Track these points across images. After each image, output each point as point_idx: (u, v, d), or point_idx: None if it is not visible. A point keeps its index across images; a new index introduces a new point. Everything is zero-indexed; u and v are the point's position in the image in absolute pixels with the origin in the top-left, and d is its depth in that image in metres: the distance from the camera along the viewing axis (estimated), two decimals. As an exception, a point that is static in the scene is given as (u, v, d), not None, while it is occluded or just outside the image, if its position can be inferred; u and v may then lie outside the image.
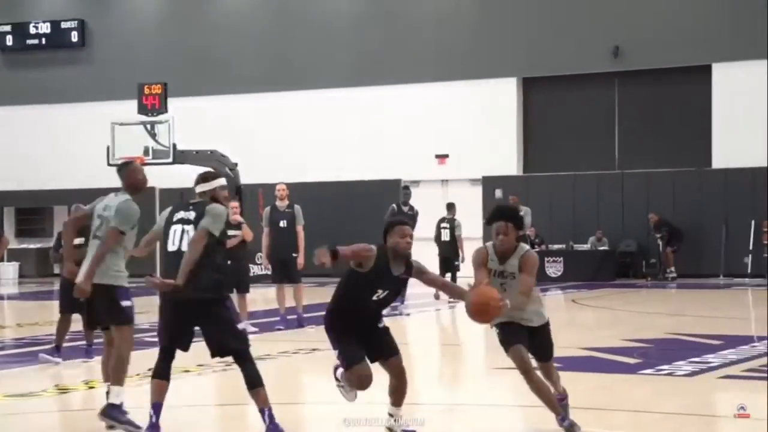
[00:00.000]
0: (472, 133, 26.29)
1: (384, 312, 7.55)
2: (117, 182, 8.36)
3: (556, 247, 25.09)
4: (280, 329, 15.27)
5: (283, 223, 15.74)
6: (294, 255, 15.61)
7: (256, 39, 28.28)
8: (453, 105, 26.52)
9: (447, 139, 26.62)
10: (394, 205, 19.59)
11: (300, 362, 12.30)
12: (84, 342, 11.74)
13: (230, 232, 15.65)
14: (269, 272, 17.47)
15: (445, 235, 20.59)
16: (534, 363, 7.62)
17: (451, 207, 21.12)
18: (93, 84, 29.36)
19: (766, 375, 8.92)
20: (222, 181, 8.27)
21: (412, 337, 16.09)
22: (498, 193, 25.45)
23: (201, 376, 10.95)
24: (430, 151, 26.80)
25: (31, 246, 28.75)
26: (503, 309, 7.07)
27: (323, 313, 7.41)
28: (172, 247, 7.86)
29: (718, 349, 12.42)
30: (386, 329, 7.57)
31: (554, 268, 24.71)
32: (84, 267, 8.07)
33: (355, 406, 7.72)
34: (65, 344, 11.80)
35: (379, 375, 7.48)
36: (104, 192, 8.50)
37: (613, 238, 25.01)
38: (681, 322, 16.22)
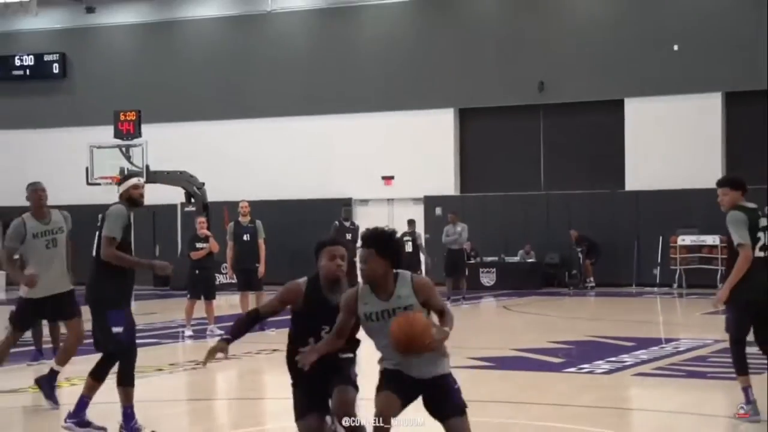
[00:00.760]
0: (415, 157, 26.37)
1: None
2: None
3: (489, 259, 25.21)
4: (243, 332, 15.22)
5: (246, 237, 15.72)
6: (256, 265, 15.60)
7: (219, 72, 28.18)
8: (398, 132, 26.58)
9: (392, 163, 26.68)
10: (336, 222, 19.53)
11: (261, 362, 12.27)
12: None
13: (198, 245, 15.68)
14: (234, 281, 17.44)
15: (408, 247, 20.75)
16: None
17: (411, 222, 21.40)
18: (73, 111, 29.09)
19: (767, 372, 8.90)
20: (134, 181, 7.96)
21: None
22: (438, 210, 25.54)
23: (172, 375, 10.90)
24: (377, 173, 26.84)
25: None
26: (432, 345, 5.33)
27: (284, 317, 7.02)
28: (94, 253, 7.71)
29: (632, 349, 12.56)
30: (348, 360, 6.08)
31: (488, 278, 24.84)
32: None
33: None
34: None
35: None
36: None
37: (540, 251, 25.17)
38: (599, 326, 16.37)
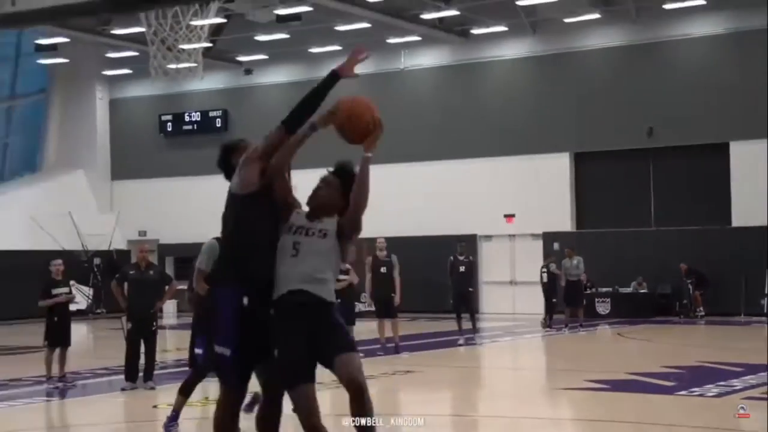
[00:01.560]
0: (534, 197, 26.09)
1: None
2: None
3: (604, 289, 24.65)
4: (380, 355, 15.25)
5: (383, 269, 15.79)
6: (392, 295, 15.63)
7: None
8: (519, 174, 26.36)
9: (514, 202, 26.45)
10: (451, 257, 19.24)
11: (397, 382, 12.24)
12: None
13: (340, 277, 15.80)
14: (372, 309, 17.50)
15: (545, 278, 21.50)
16: None
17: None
18: (233, 159, 29.78)
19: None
20: None
21: (487, 362, 15.92)
22: (555, 245, 25.13)
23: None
24: (500, 211, 26.64)
25: (184, 287, 29.07)
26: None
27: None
28: None
29: (741, 375, 12.07)
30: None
31: (603, 307, 24.29)
32: None
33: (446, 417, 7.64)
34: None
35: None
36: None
37: (651, 282, 24.49)
38: (709, 353, 15.79)
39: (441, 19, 25.79)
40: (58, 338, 12.47)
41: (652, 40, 25.26)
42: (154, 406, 10.36)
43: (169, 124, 31.21)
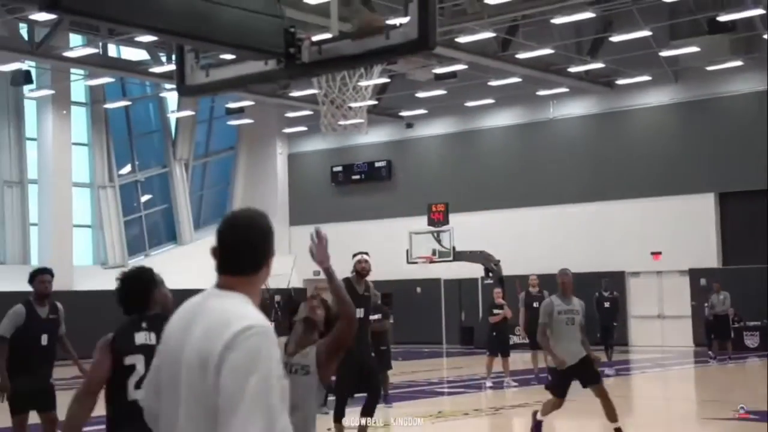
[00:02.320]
0: (680, 235, 25.14)
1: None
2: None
3: (752, 323, 23.39)
4: (534, 384, 14.99)
5: (535, 304, 15.53)
6: (544, 328, 15.34)
7: (510, 169, 28.33)
8: (665, 213, 25.48)
9: (660, 240, 25.57)
10: (597, 293, 18.56)
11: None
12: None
13: (495, 311, 15.66)
14: (526, 341, 17.25)
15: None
16: None
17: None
18: (396, 205, 30.24)
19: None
20: (358, 257, 8.63)
21: (637, 392, 15.35)
22: (702, 281, 24.08)
23: (476, 419, 10.81)
24: (647, 249, 25.79)
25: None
26: None
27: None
28: None
29: None
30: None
31: (751, 341, 23.02)
32: None
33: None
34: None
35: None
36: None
37: (800, 316, 23.08)
38: None
39: (587, 72, 25.46)
40: None
41: (795, 82, 24.05)
42: (328, 429, 10.52)
43: (340, 174, 31.95)
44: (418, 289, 28.26)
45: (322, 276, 4.40)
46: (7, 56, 22.69)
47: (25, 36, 22.36)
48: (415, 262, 24.68)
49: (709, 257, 24.96)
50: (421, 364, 21.06)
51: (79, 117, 28.18)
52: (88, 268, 27.65)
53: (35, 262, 26.03)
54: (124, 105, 29.10)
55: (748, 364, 20.19)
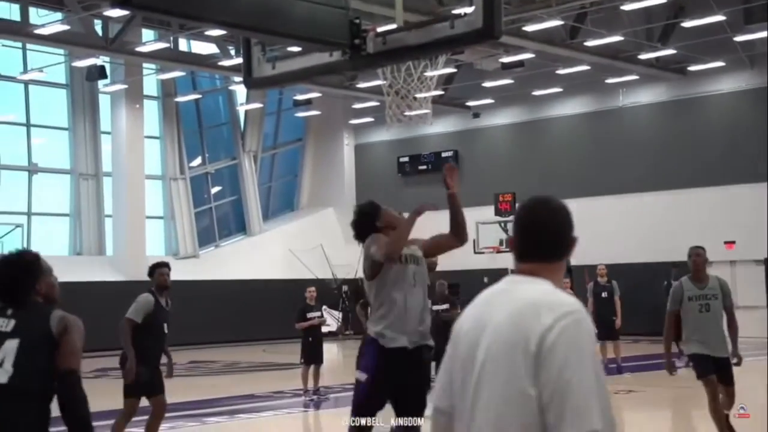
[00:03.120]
0: (754, 224, 24.50)
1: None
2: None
3: (830, 315, 22.74)
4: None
5: (604, 294, 15.42)
6: (613, 318, 15.19)
7: (579, 158, 28.00)
8: (738, 202, 24.89)
9: (733, 229, 24.98)
10: (665, 281, 18.18)
11: (619, 401, 11.83)
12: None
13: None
14: (595, 331, 17.06)
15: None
16: None
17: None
18: (463, 195, 29.72)
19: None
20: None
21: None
22: (778, 271, 23.48)
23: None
24: (720, 238, 25.22)
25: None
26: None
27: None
28: None
29: None
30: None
31: (829, 332, 22.37)
32: None
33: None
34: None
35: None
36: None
37: None
38: None
39: (658, 59, 24.95)
40: (312, 356, 12.96)
41: None
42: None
43: (407, 165, 32.00)
44: (486, 279, 28.16)
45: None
46: (83, 52, 23.29)
47: (100, 32, 22.90)
48: (482, 252, 24.59)
49: (786, 247, 24.30)
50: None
51: (151, 110, 28.78)
52: (161, 258, 28.24)
53: (110, 253, 26.70)
54: (195, 98, 29.61)
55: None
